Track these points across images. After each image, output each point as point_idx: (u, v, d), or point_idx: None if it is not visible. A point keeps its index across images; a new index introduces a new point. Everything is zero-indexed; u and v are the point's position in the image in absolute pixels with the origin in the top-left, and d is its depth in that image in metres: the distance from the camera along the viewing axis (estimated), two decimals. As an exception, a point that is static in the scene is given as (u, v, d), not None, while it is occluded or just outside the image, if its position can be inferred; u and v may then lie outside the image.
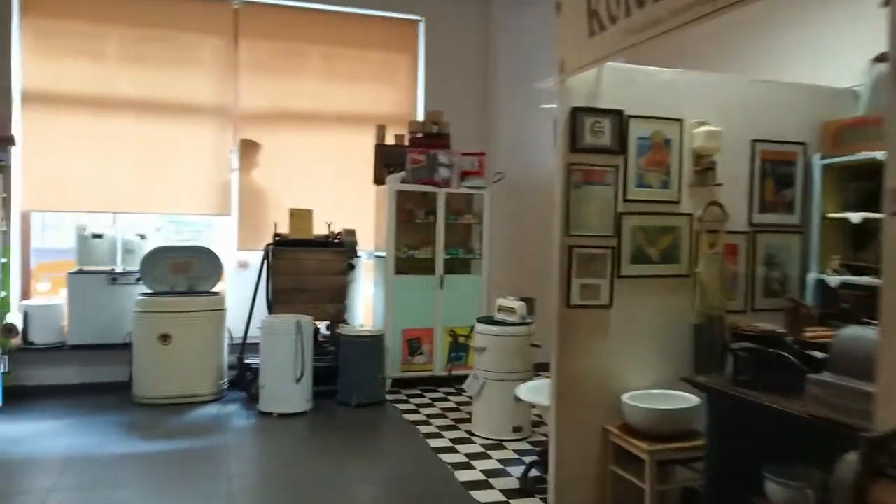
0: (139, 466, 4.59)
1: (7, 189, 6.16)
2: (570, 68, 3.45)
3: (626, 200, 3.73)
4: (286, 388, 5.70)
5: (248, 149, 6.92)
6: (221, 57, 6.86)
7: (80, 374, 6.35)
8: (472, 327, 5.67)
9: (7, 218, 6.17)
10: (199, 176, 6.79)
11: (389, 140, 6.98)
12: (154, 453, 4.82)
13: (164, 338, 5.95)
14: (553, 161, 3.77)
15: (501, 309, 5.44)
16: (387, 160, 6.84)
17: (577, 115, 3.61)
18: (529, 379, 5.06)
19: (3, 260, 6.11)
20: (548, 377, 3.91)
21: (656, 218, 3.78)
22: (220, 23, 6.83)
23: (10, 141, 6.16)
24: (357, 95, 7.24)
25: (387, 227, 6.54)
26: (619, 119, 3.69)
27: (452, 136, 6.99)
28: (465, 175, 6.85)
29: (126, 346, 6.10)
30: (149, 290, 6.22)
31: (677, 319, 3.79)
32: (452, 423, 5.62)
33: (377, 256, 6.89)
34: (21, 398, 5.91)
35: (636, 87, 3.77)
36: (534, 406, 4.48)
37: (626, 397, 3.62)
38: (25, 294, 6.50)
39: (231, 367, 6.38)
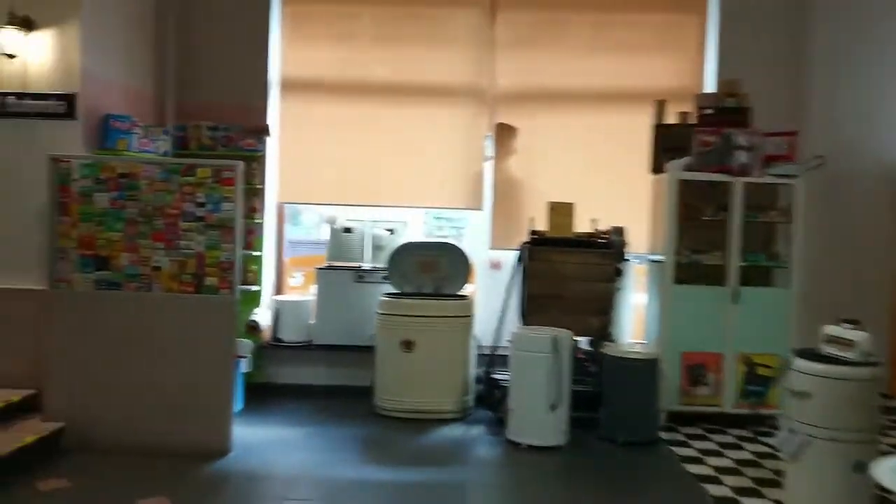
0: (370, 497, 3.97)
1: (262, 180, 6.01)
2: None
3: None
4: (538, 416, 4.78)
5: (504, 134, 6.11)
6: (476, 32, 6.12)
7: (325, 375, 6.03)
8: (781, 359, 4.27)
9: (262, 210, 6.02)
10: (450, 165, 6.13)
11: (670, 119, 5.72)
12: (387, 483, 4.18)
13: (407, 344, 5.35)
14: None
15: (831, 340, 3.97)
16: (667, 143, 5.60)
17: None
18: (874, 441, 3.59)
19: (258, 253, 5.96)
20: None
21: None
22: (477, -6, 6.11)
23: (265, 131, 6.00)
24: (630, 68, 6.08)
25: (665, 225, 5.31)
26: None
27: (753, 111, 5.55)
28: (769, 160, 5.37)
29: (370, 350, 5.62)
30: (393, 290, 5.68)
31: None
32: (753, 484, 4.26)
33: (652, 261, 5.68)
34: (267, 396, 5.70)
35: None
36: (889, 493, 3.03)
37: None
38: (278, 289, 6.34)
39: (477, 381, 5.62)
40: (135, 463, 4.26)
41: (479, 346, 5.71)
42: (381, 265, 5.98)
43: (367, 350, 5.65)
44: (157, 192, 4.45)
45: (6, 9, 4.63)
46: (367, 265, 6.14)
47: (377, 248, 6.16)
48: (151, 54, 5.82)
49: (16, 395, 4.55)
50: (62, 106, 4.75)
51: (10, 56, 4.67)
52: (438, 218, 8.61)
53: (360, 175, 6.15)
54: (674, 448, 4.88)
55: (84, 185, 4.47)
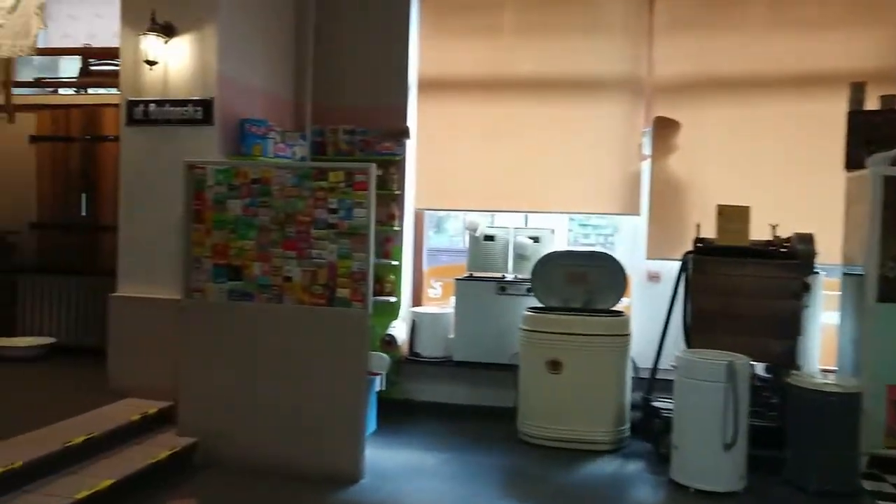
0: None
1: (401, 186, 5.70)
2: None
3: None
4: (709, 455, 4.07)
5: (664, 129, 5.43)
6: (631, 16, 5.48)
7: (464, 394, 5.60)
8: None
9: (400, 217, 5.71)
10: (603, 166, 5.53)
11: (871, 105, 4.80)
12: (531, 526, 3.66)
13: (554, 364, 4.81)
14: None
15: None
16: (867, 134, 4.67)
17: None
18: None
19: (396, 262, 5.66)
20: None
21: None
22: (633, -26, 5.48)
23: (404, 134, 5.69)
24: (817, 47, 5.20)
25: (866, 231, 4.41)
26: None
27: (984, 92, 4.54)
28: None
29: (512, 368, 5.13)
30: (538, 305, 5.17)
31: None
32: None
33: (847, 274, 4.77)
34: (403, 415, 5.36)
35: None
36: None
37: None
38: (416, 300, 6.00)
39: (634, 408, 4.98)
40: (263, 485, 4.02)
41: (636, 369, 5.07)
42: (524, 276, 5.48)
43: (510, 369, 5.17)
44: (288, 199, 4.22)
45: (147, 15, 4.59)
46: (509, 276, 5.67)
47: (520, 257, 5.68)
48: (289, 58, 5.68)
49: (153, 407, 4.47)
50: (199, 111, 4.66)
51: (151, 63, 4.63)
52: (583, 225, 8.03)
53: (503, 179, 5.68)
54: (880, 502, 3.99)
55: (218, 191, 4.32)
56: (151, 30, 4.58)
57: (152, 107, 4.73)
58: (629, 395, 4.95)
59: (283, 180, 4.23)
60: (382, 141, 5.62)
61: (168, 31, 4.65)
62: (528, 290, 5.35)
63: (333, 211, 4.16)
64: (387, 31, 5.76)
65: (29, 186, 6.51)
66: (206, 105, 4.64)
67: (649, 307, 5.35)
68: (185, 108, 4.67)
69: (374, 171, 4.17)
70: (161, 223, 4.69)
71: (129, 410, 4.39)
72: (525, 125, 5.62)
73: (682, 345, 4.68)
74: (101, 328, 5.23)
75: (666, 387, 4.68)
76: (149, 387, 4.63)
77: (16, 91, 6.56)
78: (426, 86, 5.83)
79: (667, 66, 5.43)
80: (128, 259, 4.87)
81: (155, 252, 4.73)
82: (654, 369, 4.90)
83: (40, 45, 6.63)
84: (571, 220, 6.48)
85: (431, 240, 6.20)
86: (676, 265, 4.95)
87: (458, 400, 5.61)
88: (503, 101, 5.66)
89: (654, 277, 5.49)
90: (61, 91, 6.77)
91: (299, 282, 4.21)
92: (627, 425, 4.92)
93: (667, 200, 5.41)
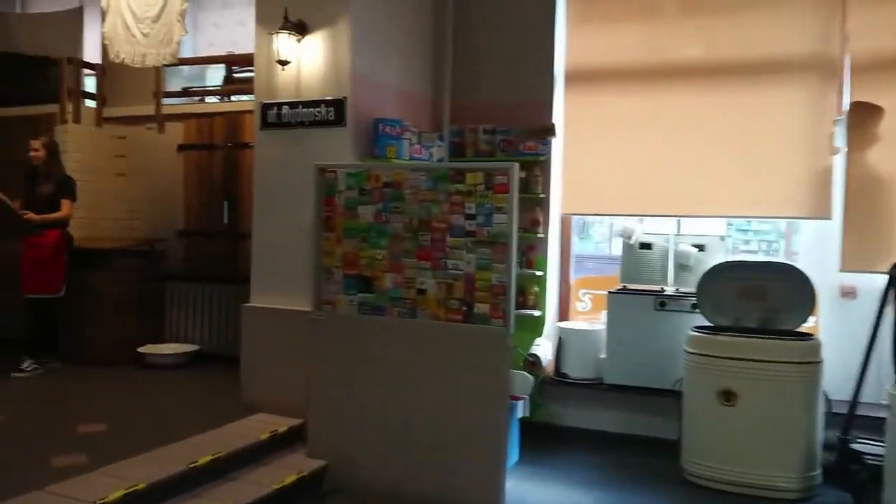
0: None
1: (546, 188, 5.19)
2: None
3: None
4: (937, 520, 3.24)
5: (862, 117, 4.54)
6: (821, -16, 4.66)
7: (617, 421, 4.98)
8: None
9: (545, 223, 5.20)
10: (786, 162, 4.73)
11: None
12: None
13: (727, 395, 4.11)
14: None
15: None
16: None
17: None
18: None
19: (540, 272, 5.15)
20: None
21: None
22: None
23: (550, 131, 5.17)
24: None
25: None
26: None
27: None
28: None
29: (675, 396, 4.48)
30: (707, 324, 4.47)
31: None
32: None
33: None
34: (547, 442, 4.83)
35: None
36: None
37: None
38: (562, 314, 5.45)
39: (827, 448, 4.16)
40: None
41: (829, 403, 4.25)
42: (688, 290, 4.80)
43: (672, 396, 4.52)
44: (422, 203, 3.83)
45: (280, 13, 4.39)
46: (669, 289, 4.99)
47: (682, 268, 4.99)
48: (426, 52, 5.32)
49: (283, 425, 4.24)
50: (331, 112, 4.39)
51: (283, 63, 4.42)
52: (742, 230, 7.22)
53: (662, 179, 5.02)
54: None
55: (349, 196, 4.01)
56: (284, 28, 4.37)
57: (285, 109, 4.53)
58: (821, 434, 4.14)
59: (416, 183, 3.85)
60: (526, 140, 5.14)
61: (300, 29, 4.43)
62: (693, 305, 4.66)
63: (471, 217, 3.72)
64: (531, 20, 5.27)
65: (177, 195, 6.62)
66: (338, 105, 4.37)
67: (843, 329, 4.51)
68: (317, 109, 4.42)
69: (517, 171, 3.69)
70: (293, 231, 4.47)
71: (259, 428, 4.18)
72: (689, 118, 4.93)
73: (892, 376, 3.83)
74: (239, 337, 5.12)
75: (867, 425, 3.91)
76: (281, 402, 4.42)
77: (165, 101, 6.70)
78: (574, 78, 5.28)
79: (865, 41, 4.55)
80: (261, 268, 4.70)
81: (287, 261, 4.52)
82: (853, 404, 4.06)
83: (188, 54, 6.76)
84: (729, 224, 5.70)
85: (576, 246, 5.63)
86: (880, 279, 4.10)
87: (608, 427, 5.00)
88: (664, 91, 5.01)
89: (848, 293, 4.63)
90: (208, 99, 6.85)
91: (434, 295, 3.80)
92: (819, 470, 4.11)
93: (866, 202, 4.52)
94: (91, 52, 6.98)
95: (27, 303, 5.61)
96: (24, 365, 5.49)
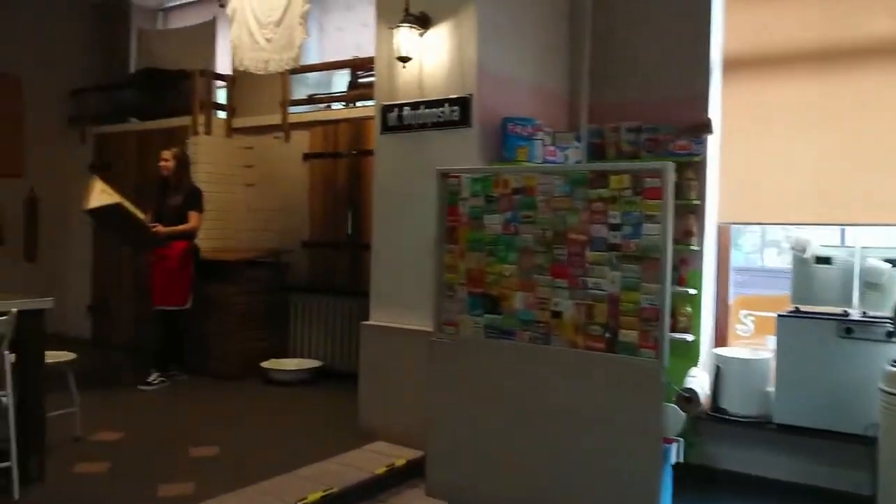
0: None
1: (701, 194, 4.52)
2: None
3: None
4: None
5: None
6: None
7: (788, 469, 4.21)
8: None
9: (700, 233, 4.53)
10: None
11: None
12: None
13: (941, 448, 3.29)
14: None
15: None
16: None
17: None
18: None
19: (693, 291, 4.48)
20: None
21: None
22: None
23: (706, 128, 4.50)
24: None
25: None
26: None
27: None
28: None
29: (866, 442, 3.68)
30: (911, 357, 3.65)
31: None
32: None
33: None
34: (703, 487, 4.16)
35: None
36: None
37: None
38: (719, 339, 4.73)
39: None
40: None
41: None
42: (880, 315, 3.96)
43: (862, 442, 3.73)
44: (557, 212, 3.31)
45: (401, 6, 4.03)
46: (855, 312, 4.17)
47: (871, 286, 4.13)
48: (561, 44, 4.80)
49: (401, 458, 3.86)
50: (456, 112, 3.98)
51: (404, 60, 4.06)
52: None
53: (841, 182, 4.23)
54: None
55: (474, 204, 3.56)
56: (405, 21, 4.01)
57: (406, 110, 4.17)
58: None
59: (550, 189, 3.33)
60: (676, 139, 4.49)
61: (422, 22, 4.06)
62: (889, 333, 3.84)
63: (616, 227, 3.16)
64: (681, 4, 4.63)
65: (303, 205, 6.48)
66: (462, 104, 3.95)
67: None
68: (440, 109, 4.03)
69: (672, 172, 3.10)
70: (414, 242, 4.10)
71: (375, 460, 3.83)
72: (877, 108, 4.11)
73: None
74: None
75: None
76: (401, 430, 4.06)
77: (292, 110, 6.58)
78: (734, 66, 4.58)
79: None
80: (379, 282, 4.37)
81: (408, 275, 4.15)
82: None
83: (313, 60, 6.60)
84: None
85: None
86: None
87: (777, 475, 4.23)
88: (844, 76, 4.21)
89: None
90: (334, 106, 6.66)
91: (571, 318, 3.27)
92: None
93: None
94: (223, 64, 7.00)
95: (155, 315, 5.61)
96: (151, 378, 5.48)
